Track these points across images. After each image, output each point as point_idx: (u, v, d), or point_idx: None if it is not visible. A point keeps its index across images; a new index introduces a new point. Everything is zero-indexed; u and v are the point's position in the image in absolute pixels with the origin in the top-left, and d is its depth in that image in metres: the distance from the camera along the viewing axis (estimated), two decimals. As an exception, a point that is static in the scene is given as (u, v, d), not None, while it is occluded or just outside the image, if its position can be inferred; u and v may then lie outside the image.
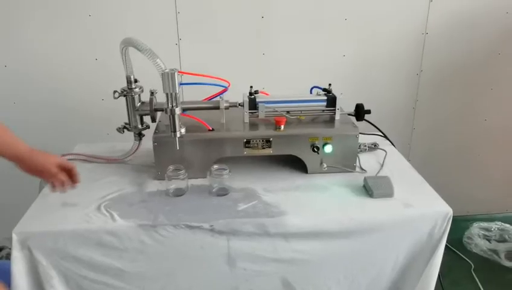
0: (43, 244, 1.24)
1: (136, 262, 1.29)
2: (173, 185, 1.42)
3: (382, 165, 1.61)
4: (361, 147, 1.69)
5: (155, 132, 1.49)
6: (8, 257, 1.25)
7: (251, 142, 1.48)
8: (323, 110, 1.59)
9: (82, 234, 1.25)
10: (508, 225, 2.57)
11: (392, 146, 1.76)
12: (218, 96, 1.54)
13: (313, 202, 1.39)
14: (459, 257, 2.42)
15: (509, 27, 2.35)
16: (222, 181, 1.43)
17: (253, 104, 1.54)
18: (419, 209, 1.36)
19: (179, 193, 1.42)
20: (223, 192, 1.43)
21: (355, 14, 2.23)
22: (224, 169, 1.42)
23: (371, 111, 1.59)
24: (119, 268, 1.29)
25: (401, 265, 1.41)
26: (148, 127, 1.59)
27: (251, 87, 1.56)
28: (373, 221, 1.34)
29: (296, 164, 1.55)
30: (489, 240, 2.50)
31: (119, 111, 1.60)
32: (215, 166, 1.43)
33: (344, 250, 1.35)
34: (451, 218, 1.34)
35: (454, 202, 1.39)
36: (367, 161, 1.63)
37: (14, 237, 1.22)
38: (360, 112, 1.59)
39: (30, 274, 1.25)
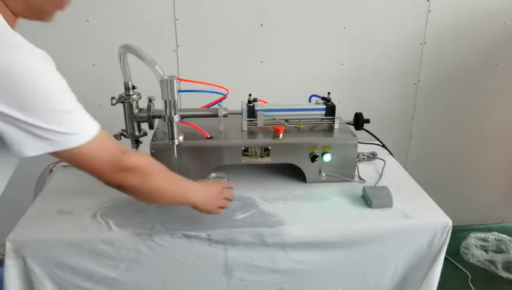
0: (38, 253, 1.21)
1: (132, 272, 1.27)
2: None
3: (381, 175, 1.60)
4: (360, 156, 1.68)
5: (153, 139, 1.47)
6: (1, 263, 1.23)
7: (249, 150, 1.47)
8: (322, 119, 1.59)
9: (77, 243, 1.23)
10: (505, 236, 2.57)
11: (391, 156, 1.76)
12: (217, 104, 1.52)
13: (311, 212, 1.38)
14: (456, 267, 2.41)
15: (507, 38, 2.36)
16: None
17: (251, 112, 1.53)
18: (419, 220, 1.35)
19: None
20: None
21: (354, 23, 2.23)
22: (223, 177, 1.40)
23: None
24: (114, 278, 1.26)
25: (400, 276, 1.39)
26: (145, 134, 1.57)
27: (250, 95, 1.56)
28: (372, 231, 1.33)
29: (295, 173, 1.54)
30: (486, 251, 2.50)
31: (116, 117, 1.58)
32: (213, 174, 1.42)
33: (342, 260, 1.34)
34: (451, 229, 1.33)
35: (451, 212, 1.38)
36: (365, 170, 1.63)
37: (8, 244, 1.20)
38: (359, 121, 1.58)
39: (23, 284, 1.23)
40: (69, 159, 0.95)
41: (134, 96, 1.49)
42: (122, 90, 1.49)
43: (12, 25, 0.93)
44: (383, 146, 1.78)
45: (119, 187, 1.04)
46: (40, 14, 1.01)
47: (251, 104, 1.54)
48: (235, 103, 1.55)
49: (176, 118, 1.35)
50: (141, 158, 1.07)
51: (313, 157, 1.48)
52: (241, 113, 1.53)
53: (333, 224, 1.33)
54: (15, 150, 0.88)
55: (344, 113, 1.60)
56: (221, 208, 1.26)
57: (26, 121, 0.84)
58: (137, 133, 1.54)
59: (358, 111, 1.59)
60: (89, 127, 0.95)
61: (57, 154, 0.92)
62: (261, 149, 1.47)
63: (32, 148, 0.88)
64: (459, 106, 2.50)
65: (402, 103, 2.45)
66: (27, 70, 0.84)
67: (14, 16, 0.94)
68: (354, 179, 1.54)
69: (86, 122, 0.95)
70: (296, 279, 1.34)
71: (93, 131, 0.95)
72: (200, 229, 1.26)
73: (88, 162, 0.97)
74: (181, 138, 1.41)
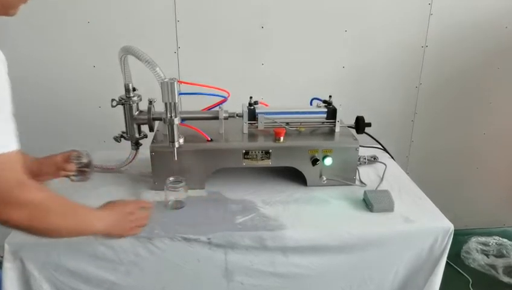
0: (36, 256, 1.21)
1: (131, 275, 1.26)
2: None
3: (382, 179, 1.59)
4: (361, 159, 1.67)
5: (153, 142, 1.47)
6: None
7: (250, 153, 1.46)
8: (323, 122, 1.58)
9: (76, 246, 1.22)
10: (506, 240, 2.56)
11: (392, 159, 1.75)
12: (218, 107, 1.52)
13: (312, 216, 1.37)
14: (456, 272, 2.40)
15: (508, 41, 2.36)
16: (177, 194, 1.38)
17: (252, 115, 1.52)
18: (420, 225, 1.34)
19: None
20: (179, 205, 1.39)
21: (355, 26, 2.23)
22: (180, 182, 1.38)
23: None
24: (113, 281, 1.26)
25: (401, 281, 1.38)
26: (145, 136, 1.56)
27: (251, 97, 1.55)
28: (373, 236, 1.32)
29: (296, 176, 1.53)
30: (487, 255, 2.49)
31: (117, 119, 1.58)
32: (171, 178, 1.39)
33: (343, 265, 1.33)
34: (453, 234, 1.32)
35: (452, 216, 1.37)
36: (366, 174, 1.62)
37: (7, 247, 1.19)
38: (360, 125, 1.57)
39: (22, 286, 1.22)
40: None
41: (135, 98, 1.49)
42: (122, 92, 1.48)
43: None
44: (384, 150, 1.77)
45: (3, 222, 0.89)
46: (6, 8, 0.98)
47: (252, 107, 1.53)
48: (236, 105, 1.54)
49: (177, 121, 1.34)
50: (39, 194, 0.92)
51: (314, 161, 1.47)
52: (242, 116, 1.52)
53: (334, 228, 1.32)
54: None
55: (345, 116, 1.60)
56: (139, 226, 1.18)
57: None
58: (137, 135, 1.54)
59: (359, 114, 1.59)
60: (11, 142, 0.86)
61: None
62: (262, 152, 1.46)
63: None
64: (460, 110, 2.50)
65: (403, 106, 2.45)
66: None
67: None
68: (355, 182, 1.54)
69: (12, 136, 0.87)
70: (296, 283, 1.33)
71: (13, 147, 0.86)
72: (200, 233, 1.25)
73: None
74: (181, 140, 1.40)
